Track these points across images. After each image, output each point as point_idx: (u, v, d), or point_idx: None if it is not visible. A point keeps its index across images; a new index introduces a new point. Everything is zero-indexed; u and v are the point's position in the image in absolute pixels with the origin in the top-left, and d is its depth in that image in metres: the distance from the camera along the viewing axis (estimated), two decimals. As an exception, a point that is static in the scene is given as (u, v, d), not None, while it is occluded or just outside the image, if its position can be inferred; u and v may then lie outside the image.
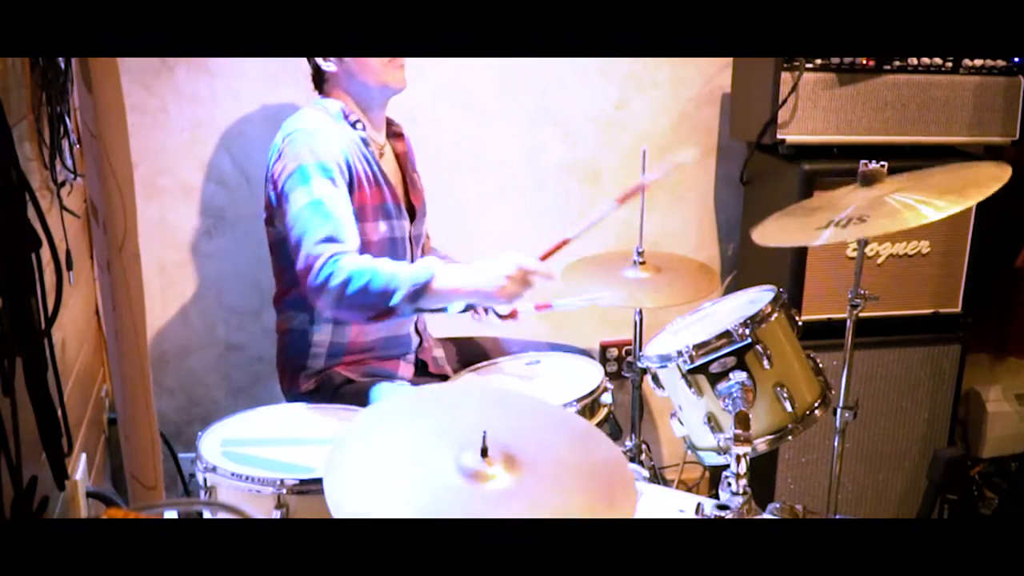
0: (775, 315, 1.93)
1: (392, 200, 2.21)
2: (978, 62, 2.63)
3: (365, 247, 2.14)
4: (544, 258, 2.16)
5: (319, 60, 2.18)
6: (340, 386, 2.21)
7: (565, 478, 1.44)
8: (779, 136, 2.60)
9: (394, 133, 2.35)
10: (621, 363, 3.05)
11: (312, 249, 1.95)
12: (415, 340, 2.33)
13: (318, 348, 2.22)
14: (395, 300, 1.91)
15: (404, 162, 2.34)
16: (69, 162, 1.99)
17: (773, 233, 2.11)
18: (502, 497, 1.35)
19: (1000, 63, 2.65)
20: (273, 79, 2.61)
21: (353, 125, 2.18)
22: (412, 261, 2.29)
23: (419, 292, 1.91)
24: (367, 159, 2.17)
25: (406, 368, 2.30)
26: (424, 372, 2.36)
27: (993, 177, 1.91)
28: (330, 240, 1.96)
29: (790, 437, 1.93)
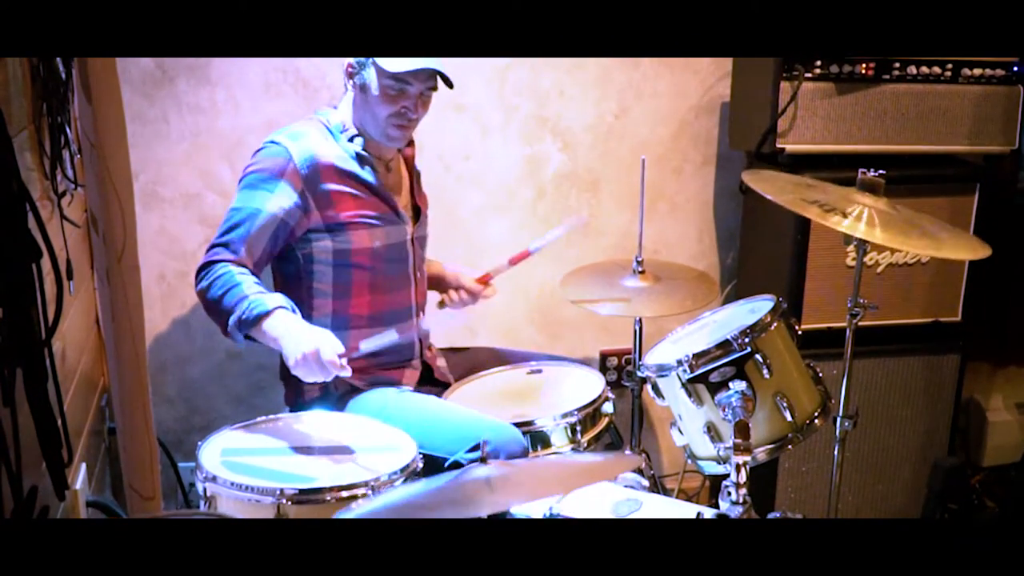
0: (775, 324, 1.93)
1: (391, 209, 2.22)
2: (977, 71, 2.63)
3: (362, 255, 2.17)
4: (512, 263, 2.36)
5: (345, 75, 2.19)
6: (345, 395, 2.21)
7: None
8: (778, 145, 2.60)
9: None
10: (621, 372, 3.05)
11: (210, 247, 2.07)
12: (418, 347, 2.33)
13: None
14: (231, 319, 1.94)
15: (412, 166, 2.36)
16: (70, 172, 1.99)
17: (764, 183, 2.12)
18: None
19: (999, 72, 2.65)
20: (273, 89, 2.62)
21: (351, 139, 2.19)
22: (416, 263, 2.30)
23: (248, 322, 1.92)
24: (357, 174, 2.17)
25: (411, 375, 2.30)
26: (428, 380, 2.36)
27: (969, 250, 2.05)
28: (224, 246, 2.06)
29: (790, 446, 1.93)
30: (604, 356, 3.03)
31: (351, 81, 2.18)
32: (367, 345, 1.94)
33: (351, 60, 2.17)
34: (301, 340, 1.87)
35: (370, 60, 2.11)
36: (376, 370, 2.24)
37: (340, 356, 1.85)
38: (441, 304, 2.44)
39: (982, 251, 2.00)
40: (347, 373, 1.87)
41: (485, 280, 2.40)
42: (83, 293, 2.26)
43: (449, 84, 2.15)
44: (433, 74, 2.12)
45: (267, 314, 1.92)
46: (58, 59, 1.87)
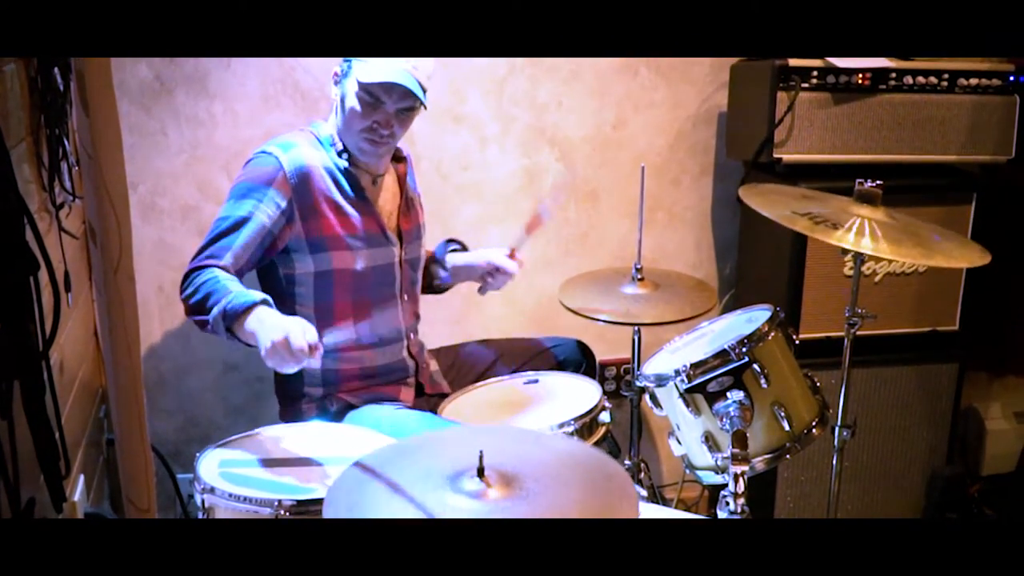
0: (772, 334, 1.93)
1: (378, 229, 2.21)
2: (973, 81, 2.64)
3: (343, 277, 2.17)
4: (529, 231, 2.35)
5: (332, 82, 2.20)
6: (340, 411, 2.21)
7: (563, 490, 1.44)
8: (775, 155, 2.61)
9: (396, 157, 2.36)
10: (619, 381, 3.05)
11: (195, 255, 2.08)
12: (411, 364, 2.33)
13: (312, 376, 2.22)
14: (215, 311, 1.93)
15: (404, 185, 2.35)
16: (68, 184, 2.00)
17: (757, 197, 2.14)
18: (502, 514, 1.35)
19: (995, 82, 2.66)
20: (271, 100, 2.62)
21: (339, 153, 2.19)
22: (404, 285, 2.30)
23: (232, 315, 1.90)
24: (345, 189, 2.17)
25: (407, 393, 2.30)
26: (422, 394, 2.36)
27: (966, 259, 2.03)
28: (209, 256, 2.07)
29: (788, 456, 1.93)
30: (603, 365, 3.03)
31: (336, 87, 2.19)
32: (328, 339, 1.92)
33: (337, 68, 2.17)
34: (273, 329, 1.85)
35: (352, 69, 2.11)
36: (373, 388, 2.24)
37: (311, 345, 1.82)
38: (481, 290, 2.42)
39: (980, 259, 2.00)
40: (316, 363, 1.85)
41: (512, 255, 2.37)
42: (82, 304, 2.26)
43: (423, 104, 2.13)
44: (407, 93, 2.08)
45: (251, 306, 1.91)
46: (56, 70, 1.88)
